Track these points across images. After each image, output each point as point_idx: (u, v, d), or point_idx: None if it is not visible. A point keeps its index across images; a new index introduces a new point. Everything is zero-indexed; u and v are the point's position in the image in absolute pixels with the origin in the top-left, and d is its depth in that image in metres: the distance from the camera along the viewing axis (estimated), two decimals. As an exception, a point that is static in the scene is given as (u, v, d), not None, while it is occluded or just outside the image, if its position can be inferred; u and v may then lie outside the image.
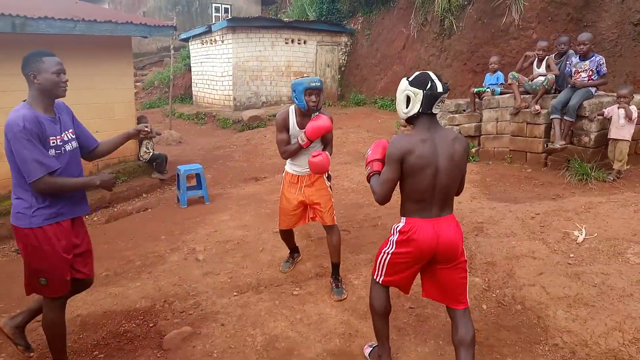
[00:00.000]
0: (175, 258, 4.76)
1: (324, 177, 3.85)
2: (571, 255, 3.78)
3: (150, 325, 3.60)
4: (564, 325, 3.10)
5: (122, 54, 7.78)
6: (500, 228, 4.42)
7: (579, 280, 3.41)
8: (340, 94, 15.42)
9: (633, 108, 5.33)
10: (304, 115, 3.70)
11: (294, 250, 4.40)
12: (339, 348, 3.17)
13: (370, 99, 14.13)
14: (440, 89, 2.42)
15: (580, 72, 5.79)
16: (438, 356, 3.04)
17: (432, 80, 2.43)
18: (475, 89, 7.25)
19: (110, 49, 7.48)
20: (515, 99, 6.41)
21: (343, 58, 15.51)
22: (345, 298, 3.73)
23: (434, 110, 2.46)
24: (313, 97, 3.55)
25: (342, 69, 15.54)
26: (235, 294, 3.94)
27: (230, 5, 21.50)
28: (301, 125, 3.69)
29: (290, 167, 3.90)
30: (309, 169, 3.67)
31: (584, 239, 3.95)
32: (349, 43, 15.44)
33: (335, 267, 3.89)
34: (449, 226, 2.54)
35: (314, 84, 3.52)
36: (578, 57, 5.85)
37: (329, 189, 3.87)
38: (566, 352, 2.96)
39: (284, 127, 3.73)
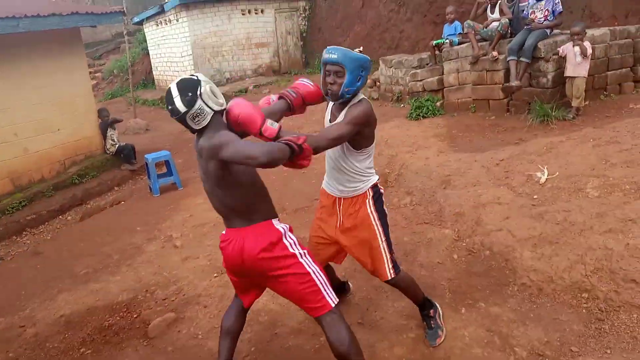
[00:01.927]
0: (153, 247, 4.78)
1: (369, 199, 2.60)
2: (535, 197, 3.90)
3: (135, 316, 3.64)
4: (530, 264, 3.24)
5: (73, 46, 7.58)
6: (467, 178, 4.53)
7: (542, 220, 3.54)
8: (305, 60, 15.25)
9: (587, 44, 5.40)
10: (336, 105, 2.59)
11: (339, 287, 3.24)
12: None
13: (335, 62, 14.01)
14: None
15: (536, 12, 5.82)
16: (414, 309, 3.16)
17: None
18: (434, 42, 7.24)
19: (60, 43, 7.28)
20: (472, 47, 6.44)
21: (303, 24, 15.27)
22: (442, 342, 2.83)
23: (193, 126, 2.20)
24: (329, 78, 2.43)
25: (304, 34, 15.32)
26: (215, 275, 4.00)
27: (182, -19, 20.81)
28: (333, 118, 2.58)
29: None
30: (344, 190, 2.61)
31: (546, 179, 4.08)
32: (307, 7, 15.17)
33: (419, 308, 2.93)
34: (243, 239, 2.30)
35: (327, 56, 2.41)
36: (531, -2, 5.88)
37: (376, 225, 2.60)
38: (534, 290, 3.10)
39: None
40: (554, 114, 5.50)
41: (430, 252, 3.76)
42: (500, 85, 6.19)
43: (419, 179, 4.86)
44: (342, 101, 2.46)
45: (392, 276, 2.63)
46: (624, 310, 2.75)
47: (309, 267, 2.32)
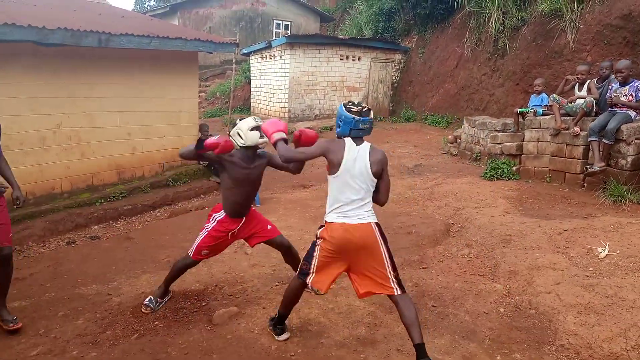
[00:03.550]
0: (227, 251, 5.26)
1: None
2: (590, 269, 4.01)
3: (203, 304, 4.14)
4: (572, 329, 3.37)
5: (190, 66, 8.59)
6: (527, 241, 4.69)
7: (592, 291, 3.65)
8: (392, 109, 15.80)
9: (671, 134, 5.43)
10: None
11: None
12: (363, 335, 3.58)
13: (420, 115, 14.42)
14: None
15: (621, 97, 5.95)
16: (452, 348, 3.38)
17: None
18: (519, 109, 7.46)
19: (179, 62, 8.30)
20: (555, 120, 6.60)
21: (396, 75, 15.90)
22: None
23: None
24: None
25: (395, 85, 15.93)
26: (277, 284, 4.43)
27: (291, 22, 22.45)
28: None
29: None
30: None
31: (606, 255, 4.16)
32: (402, 60, 15.83)
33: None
34: None
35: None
36: (618, 84, 6.01)
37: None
38: (571, 352, 3.23)
39: None
40: (628, 196, 5.50)
41: (478, 302, 3.96)
42: (579, 159, 6.28)
43: (480, 234, 5.07)
44: None
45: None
46: (657, 387, 2.83)
47: None
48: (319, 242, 3.17)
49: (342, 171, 3.05)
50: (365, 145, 3.11)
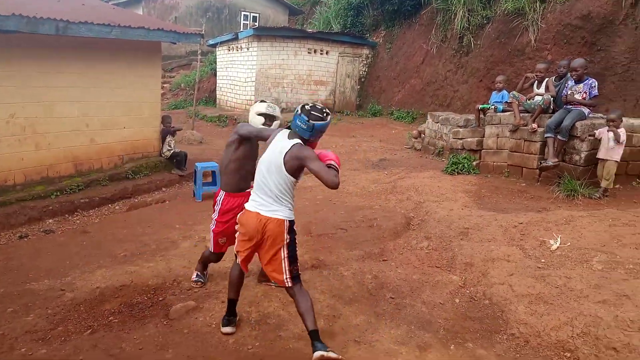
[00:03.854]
0: (187, 244, 5.26)
1: None
2: (542, 261, 4.13)
3: (160, 299, 4.08)
4: (522, 318, 3.47)
5: (152, 57, 8.38)
6: (484, 234, 4.80)
7: (543, 282, 3.77)
8: (359, 104, 15.88)
9: (622, 131, 5.64)
10: None
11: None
12: (322, 327, 3.58)
13: (387, 110, 14.55)
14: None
15: (575, 94, 6.15)
16: (408, 338, 3.43)
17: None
18: (480, 106, 7.62)
19: (141, 52, 8.09)
20: (514, 116, 6.77)
21: (363, 69, 15.98)
22: None
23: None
24: None
25: (362, 79, 16.01)
26: (236, 277, 4.39)
27: (259, 13, 22.23)
28: None
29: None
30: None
31: (558, 247, 4.30)
32: (370, 55, 15.91)
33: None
34: None
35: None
36: (573, 81, 6.21)
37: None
38: (521, 341, 3.33)
39: None
40: (581, 190, 5.70)
41: (434, 293, 4.04)
42: (536, 155, 6.46)
43: (439, 227, 5.16)
44: None
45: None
46: (600, 373, 2.95)
47: None
48: (237, 226, 3.37)
49: (261, 161, 3.20)
50: (292, 141, 3.11)
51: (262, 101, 4.00)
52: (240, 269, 3.47)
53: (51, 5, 7.11)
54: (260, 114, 3.88)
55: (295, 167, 3.07)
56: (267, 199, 3.15)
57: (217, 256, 4.17)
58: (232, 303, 3.55)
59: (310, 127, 3.08)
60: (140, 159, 8.35)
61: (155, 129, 8.59)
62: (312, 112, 3.09)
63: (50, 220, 6.55)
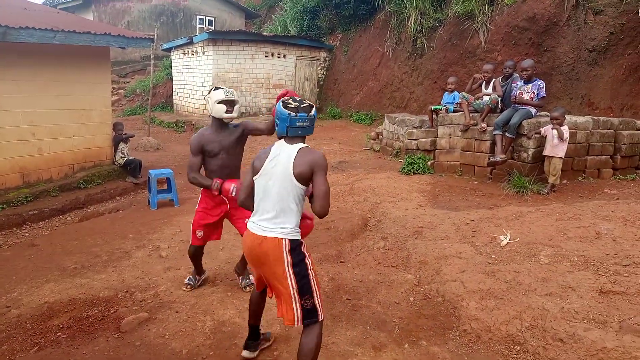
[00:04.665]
0: (140, 254, 5.12)
1: None
2: (493, 256, 4.24)
3: (112, 311, 3.95)
4: (474, 314, 3.55)
5: (101, 62, 8.15)
6: (437, 232, 4.89)
7: (493, 277, 3.87)
8: (319, 107, 15.92)
9: (565, 128, 5.88)
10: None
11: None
12: (278, 332, 3.56)
13: (346, 112, 14.65)
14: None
15: (524, 94, 6.36)
16: (363, 339, 3.45)
17: None
18: (433, 107, 7.78)
19: (89, 58, 7.86)
20: (465, 116, 6.95)
21: (322, 72, 16.06)
22: None
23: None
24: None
25: (321, 82, 16.08)
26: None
27: (215, 17, 21.99)
28: None
29: None
30: None
31: (507, 242, 4.43)
32: (327, 58, 16.00)
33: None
34: None
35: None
36: (522, 81, 6.43)
37: None
38: (472, 336, 3.40)
39: None
40: (530, 186, 5.90)
41: (390, 292, 4.08)
42: (486, 153, 6.64)
43: (394, 227, 5.23)
44: None
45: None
46: (546, 364, 3.05)
47: None
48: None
49: (260, 174, 2.77)
50: (296, 146, 2.73)
51: (216, 88, 3.92)
52: (258, 292, 3.13)
53: (-10, 10, 6.82)
54: (220, 102, 3.82)
55: (305, 175, 2.66)
56: (265, 215, 2.74)
57: (198, 248, 4.19)
58: (252, 328, 3.24)
59: (312, 119, 2.78)
60: (92, 167, 8.10)
61: (106, 137, 8.35)
62: (301, 106, 2.75)
63: (-4, 235, 6.26)
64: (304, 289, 2.71)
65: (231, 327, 3.65)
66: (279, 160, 2.71)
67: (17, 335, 3.64)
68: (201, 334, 3.56)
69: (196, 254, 4.22)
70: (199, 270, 4.33)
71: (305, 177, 2.66)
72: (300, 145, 2.74)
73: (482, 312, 3.54)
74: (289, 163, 2.67)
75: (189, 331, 3.61)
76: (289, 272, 2.69)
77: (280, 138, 2.83)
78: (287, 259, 2.68)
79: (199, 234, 4.09)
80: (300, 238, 2.77)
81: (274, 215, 2.71)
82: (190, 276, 4.33)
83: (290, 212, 2.71)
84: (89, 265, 4.87)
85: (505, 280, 3.81)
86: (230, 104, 3.86)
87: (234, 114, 3.89)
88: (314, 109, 2.81)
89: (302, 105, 2.76)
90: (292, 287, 2.69)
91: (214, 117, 3.91)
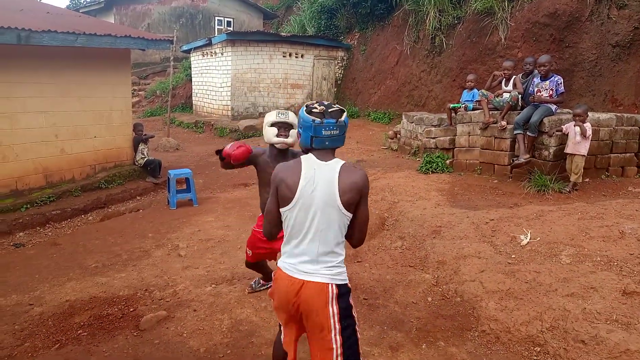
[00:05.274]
0: (160, 253, 5.19)
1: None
2: (512, 256, 4.17)
3: (131, 310, 4.00)
4: (493, 314, 3.49)
5: (121, 64, 8.28)
6: (456, 231, 4.83)
7: (513, 277, 3.80)
8: (336, 106, 15.88)
9: (588, 125, 5.75)
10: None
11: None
12: None
13: (364, 111, 14.60)
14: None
15: (542, 91, 6.24)
16: (380, 339, 3.43)
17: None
18: (452, 105, 7.69)
19: (110, 60, 7.98)
20: (484, 114, 6.85)
21: (339, 72, 16.02)
22: None
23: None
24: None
25: (339, 82, 16.05)
26: (212, 285, 4.35)
27: (233, 18, 22.13)
28: None
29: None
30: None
31: (528, 242, 4.35)
32: (345, 57, 15.96)
33: None
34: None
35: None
36: (539, 78, 6.31)
37: None
38: (492, 337, 3.35)
39: None
40: (551, 185, 5.79)
41: (407, 292, 4.05)
42: (506, 152, 6.54)
43: (412, 226, 5.18)
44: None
45: None
46: (568, 366, 2.98)
47: None
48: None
49: (296, 203, 2.19)
50: (335, 163, 2.22)
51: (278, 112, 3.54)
52: (283, 348, 2.46)
53: (13, 15, 6.97)
54: (272, 125, 3.34)
55: (353, 202, 2.19)
56: (303, 255, 2.21)
57: (251, 265, 3.99)
58: None
59: (343, 127, 2.27)
60: (113, 168, 8.23)
61: (127, 137, 8.48)
62: (329, 111, 2.25)
63: (21, 234, 6.41)
64: (350, 352, 2.24)
65: (248, 325, 3.66)
66: (318, 184, 2.17)
67: (39, 333, 3.71)
68: (219, 333, 3.58)
69: (252, 267, 4.04)
70: (267, 277, 4.10)
71: (352, 204, 2.19)
72: (339, 162, 2.24)
73: (501, 312, 3.49)
74: (334, 187, 2.16)
75: (207, 329, 3.64)
76: (336, 333, 2.19)
77: (305, 152, 2.37)
78: (332, 311, 2.18)
79: (249, 252, 3.86)
80: (348, 282, 2.27)
81: (316, 254, 2.19)
82: (257, 279, 4.21)
83: (334, 249, 2.21)
84: (109, 264, 4.95)
85: (525, 280, 3.74)
86: (284, 127, 3.33)
87: (289, 140, 3.33)
88: (344, 114, 2.29)
89: (329, 110, 2.26)
90: (336, 349, 2.19)
91: (270, 144, 3.43)
